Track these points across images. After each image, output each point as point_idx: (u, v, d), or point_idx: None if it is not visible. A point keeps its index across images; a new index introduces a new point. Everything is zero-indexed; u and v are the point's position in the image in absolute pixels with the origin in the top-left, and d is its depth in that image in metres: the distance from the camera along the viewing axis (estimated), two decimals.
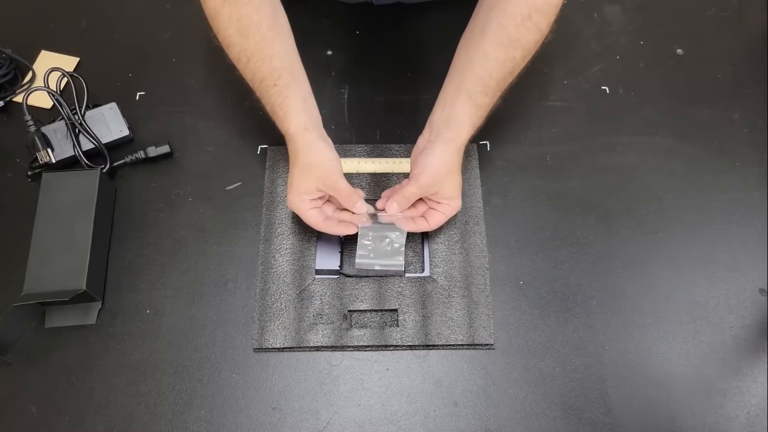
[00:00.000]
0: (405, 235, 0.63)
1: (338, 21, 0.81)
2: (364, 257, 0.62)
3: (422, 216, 0.64)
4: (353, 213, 0.63)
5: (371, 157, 0.71)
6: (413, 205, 0.64)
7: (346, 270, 0.65)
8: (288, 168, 0.63)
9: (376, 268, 0.63)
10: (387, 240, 0.63)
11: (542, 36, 0.60)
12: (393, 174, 0.70)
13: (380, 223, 0.63)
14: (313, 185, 0.60)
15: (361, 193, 0.64)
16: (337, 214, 0.64)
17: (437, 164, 0.60)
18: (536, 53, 0.61)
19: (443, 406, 0.60)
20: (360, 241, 0.63)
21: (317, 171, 0.60)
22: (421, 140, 0.64)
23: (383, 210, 0.64)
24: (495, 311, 0.64)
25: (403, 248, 0.63)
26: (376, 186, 0.69)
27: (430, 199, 0.63)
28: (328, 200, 0.64)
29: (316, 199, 0.61)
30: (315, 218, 0.61)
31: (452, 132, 0.60)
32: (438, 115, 0.62)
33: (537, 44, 0.60)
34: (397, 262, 0.62)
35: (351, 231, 0.62)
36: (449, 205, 0.62)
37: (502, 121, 0.74)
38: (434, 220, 0.63)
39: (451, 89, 0.62)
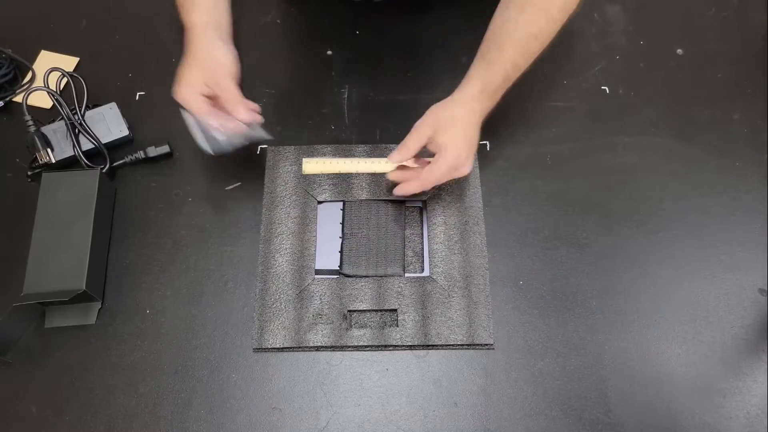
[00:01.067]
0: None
1: (338, 21, 0.81)
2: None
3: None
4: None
5: (371, 157, 0.71)
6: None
7: (346, 270, 0.65)
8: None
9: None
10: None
11: (569, 6, 0.61)
12: None
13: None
14: (199, 79, 0.58)
15: (251, 105, 0.61)
16: (225, 119, 0.60)
17: (436, 111, 0.60)
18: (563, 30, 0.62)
19: (443, 406, 0.60)
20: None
21: (206, 65, 0.59)
22: None
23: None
24: (495, 311, 0.64)
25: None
26: (376, 186, 0.69)
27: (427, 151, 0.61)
28: (216, 106, 0.60)
29: (204, 96, 0.59)
30: (201, 107, 0.58)
31: (461, 87, 0.61)
32: None
33: (563, 11, 0.61)
34: None
35: (237, 126, 0.60)
36: (440, 155, 0.59)
37: (502, 121, 0.74)
38: (426, 172, 0.60)
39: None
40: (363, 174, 0.70)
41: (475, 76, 0.61)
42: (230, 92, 0.59)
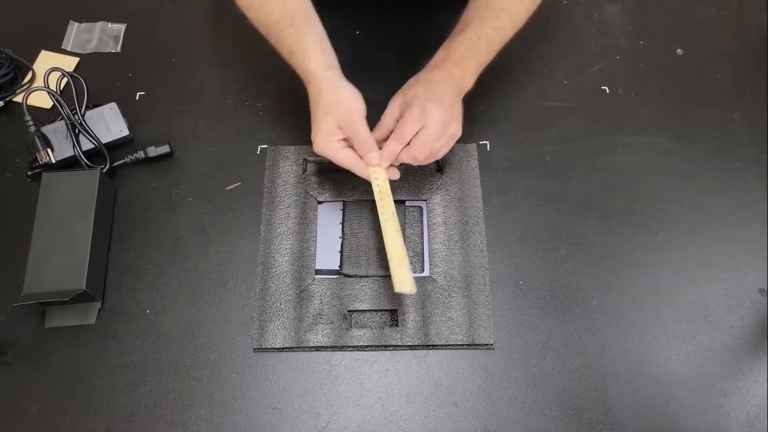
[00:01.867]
0: None
1: (338, 21, 0.81)
2: None
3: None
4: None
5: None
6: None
7: (346, 270, 0.65)
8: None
9: None
10: None
11: None
12: None
13: None
14: (335, 124, 0.57)
15: (375, 147, 0.60)
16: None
17: (405, 85, 0.61)
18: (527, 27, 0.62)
19: (443, 406, 0.60)
20: None
21: (341, 110, 0.57)
22: None
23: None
24: (495, 311, 0.64)
25: None
26: None
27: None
28: (350, 146, 0.59)
29: (341, 140, 0.58)
30: (348, 157, 0.58)
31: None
32: None
33: None
34: None
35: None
36: (427, 118, 0.57)
37: (502, 121, 0.74)
38: (418, 140, 0.57)
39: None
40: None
41: (439, 50, 0.62)
42: (365, 136, 0.58)
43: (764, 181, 0.71)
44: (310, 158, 0.71)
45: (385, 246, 0.59)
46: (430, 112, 0.57)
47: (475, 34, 0.62)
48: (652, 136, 0.74)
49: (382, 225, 0.60)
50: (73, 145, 0.70)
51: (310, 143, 0.72)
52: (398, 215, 0.68)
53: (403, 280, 0.58)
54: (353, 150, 0.59)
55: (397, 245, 0.59)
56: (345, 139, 0.59)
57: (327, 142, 0.58)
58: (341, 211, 0.69)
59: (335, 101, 0.58)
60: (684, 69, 0.78)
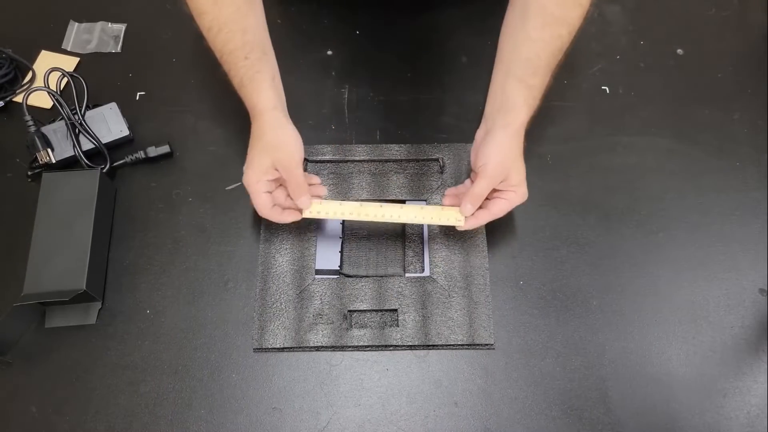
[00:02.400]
0: None
1: (338, 21, 0.81)
2: None
3: (481, 207, 0.61)
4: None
5: (371, 156, 0.71)
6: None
7: (346, 270, 0.65)
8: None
9: None
10: None
11: (584, 10, 0.59)
12: (392, 172, 0.70)
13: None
14: (271, 164, 0.59)
15: (322, 190, 0.63)
16: (288, 201, 0.62)
17: (501, 150, 0.58)
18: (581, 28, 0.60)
19: (443, 406, 0.60)
20: None
21: (280, 151, 0.59)
22: (479, 134, 0.62)
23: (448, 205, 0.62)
24: (495, 311, 0.64)
25: None
26: (377, 186, 0.69)
27: (495, 188, 0.60)
28: (281, 185, 0.62)
29: (271, 181, 0.60)
30: (263, 204, 0.60)
31: (509, 116, 0.59)
32: (491, 105, 0.61)
33: (581, 18, 0.59)
34: None
35: (293, 218, 0.61)
36: (515, 192, 0.59)
37: None
38: (498, 207, 0.60)
39: (499, 78, 0.61)
40: (363, 174, 0.70)
41: (521, 105, 0.59)
42: (297, 179, 0.60)
43: (764, 181, 0.71)
44: (310, 158, 0.71)
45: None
46: (526, 195, 0.60)
47: (545, 86, 0.61)
48: (652, 136, 0.74)
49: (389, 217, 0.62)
50: (73, 145, 0.70)
51: (310, 143, 0.72)
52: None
53: (450, 216, 0.61)
54: (270, 196, 0.61)
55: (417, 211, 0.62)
56: (277, 179, 0.60)
57: (256, 180, 0.59)
58: None
59: (276, 142, 0.59)
60: (684, 69, 0.78)
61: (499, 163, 0.58)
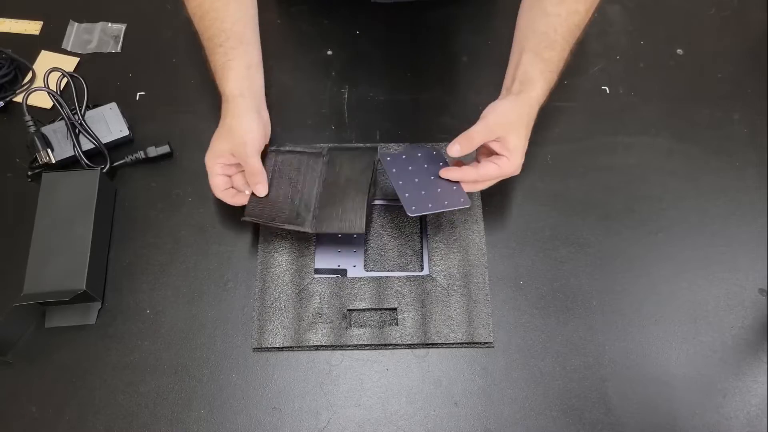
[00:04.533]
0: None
1: (338, 21, 0.81)
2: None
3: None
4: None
5: None
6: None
7: (307, 227, 0.62)
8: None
9: None
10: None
11: None
12: None
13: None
14: (227, 150, 0.61)
15: (264, 180, 0.63)
16: (246, 187, 0.64)
17: (506, 109, 0.59)
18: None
19: (443, 405, 0.60)
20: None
21: (236, 138, 0.61)
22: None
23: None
24: (495, 311, 0.64)
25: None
26: (376, 185, 0.69)
27: (490, 150, 0.60)
28: (241, 171, 0.64)
29: (230, 165, 0.63)
30: (216, 185, 0.62)
31: (523, 86, 0.59)
32: (508, 79, 0.62)
33: None
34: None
35: (242, 202, 0.63)
36: (508, 159, 0.58)
37: None
38: (486, 169, 0.59)
39: (516, 53, 0.62)
40: None
41: (537, 77, 0.59)
42: (254, 168, 0.62)
43: (764, 181, 0.71)
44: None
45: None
46: (518, 168, 0.60)
47: (563, 61, 0.61)
48: (652, 136, 0.74)
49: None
50: (73, 145, 0.70)
51: (310, 143, 0.72)
52: (398, 214, 0.69)
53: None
54: (229, 179, 0.63)
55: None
56: (237, 164, 0.63)
57: (214, 162, 0.62)
58: None
59: (235, 130, 0.61)
60: (684, 69, 0.78)
61: (500, 115, 0.58)
